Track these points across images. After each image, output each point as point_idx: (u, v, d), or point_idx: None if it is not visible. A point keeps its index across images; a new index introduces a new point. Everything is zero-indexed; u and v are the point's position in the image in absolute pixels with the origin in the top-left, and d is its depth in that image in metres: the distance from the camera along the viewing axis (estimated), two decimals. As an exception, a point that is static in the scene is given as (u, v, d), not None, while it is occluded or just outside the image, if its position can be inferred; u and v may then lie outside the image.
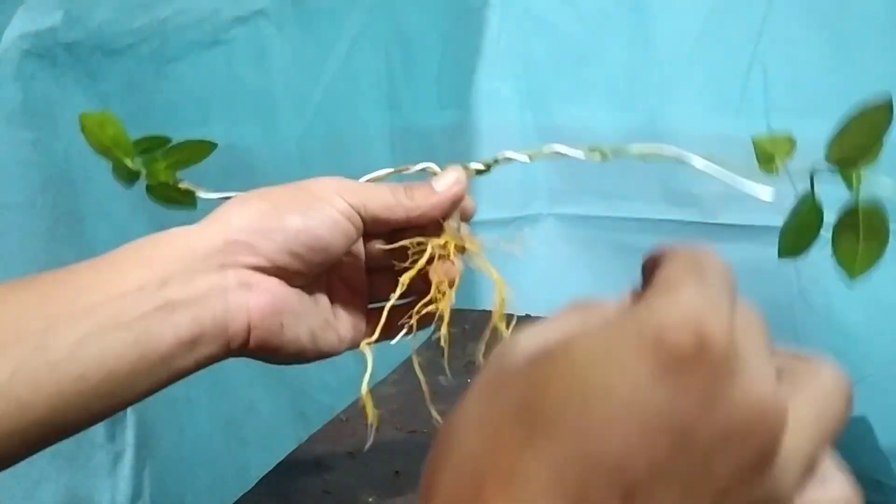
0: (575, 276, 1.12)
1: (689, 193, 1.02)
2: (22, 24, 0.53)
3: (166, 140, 0.42)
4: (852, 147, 0.38)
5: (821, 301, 0.99)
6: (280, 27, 0.76)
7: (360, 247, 0.42)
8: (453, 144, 1.07)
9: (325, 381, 0.89)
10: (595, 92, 1.05)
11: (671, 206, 1.04)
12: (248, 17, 0.72)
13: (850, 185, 0.37)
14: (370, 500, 0.61)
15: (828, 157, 0.39)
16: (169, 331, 0.32)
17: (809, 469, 0.21)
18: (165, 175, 0.41)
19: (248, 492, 0.63)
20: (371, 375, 0.42)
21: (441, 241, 0.39)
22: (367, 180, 0.42)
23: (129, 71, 0.60)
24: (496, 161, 0.43)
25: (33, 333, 0.29)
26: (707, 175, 1.04)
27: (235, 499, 0.66)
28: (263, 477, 0.65)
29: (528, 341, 0.21)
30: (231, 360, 0.77)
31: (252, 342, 0.35)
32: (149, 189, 0.41)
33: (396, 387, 0.83)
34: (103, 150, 0.41)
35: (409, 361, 0.89)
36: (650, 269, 0.22)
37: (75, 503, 0.60)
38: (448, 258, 0.39)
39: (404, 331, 0.41)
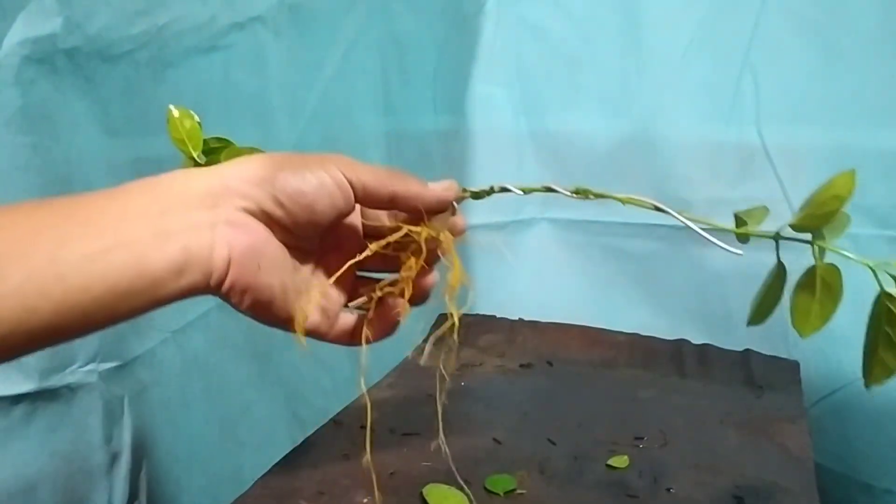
0: (568, 280, 1.12)
1: (680, 198, 1.03)
2: (22, 29, 0.53)
3: (230, 143, 0.47)
4: (816, 217, 0.40)
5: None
6: (276, 33, 0.77)
7: (355, 224, 0.45)
8: (448, 149, 1.08)
9: (319, 383, 0.90)
10: (588, 98, 1.06)
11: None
12: (244, 23, 0.72)
13: (813, 250, 0.40)
14: (365, 501, 0.62)
15: (793, 225, 0.41)
16: (161, 255, 0.35)
17: None
18: None
19: (244, 493, 0.64)
20: (366, 377, 0.43)
21: (418, 228, 0.42)
22: None
23: (127, 76, 0.61)
24: (492, 190, 0.46)
25: (46, 247, 0.33)
26: (698, 181, 1.05)
27: (231, 500, 0.66)
28: (259, 478, 0.66)
29: None
30: (226, 362, 0.78)
31: (229, 277, 0.38)
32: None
33: (392, 390, 0.84)
34: (178, 141, 0.46)
35: (403, 364, 0.90)
36: None
37: (72, 503, 0.60)
38: (420, 249, 0.42)
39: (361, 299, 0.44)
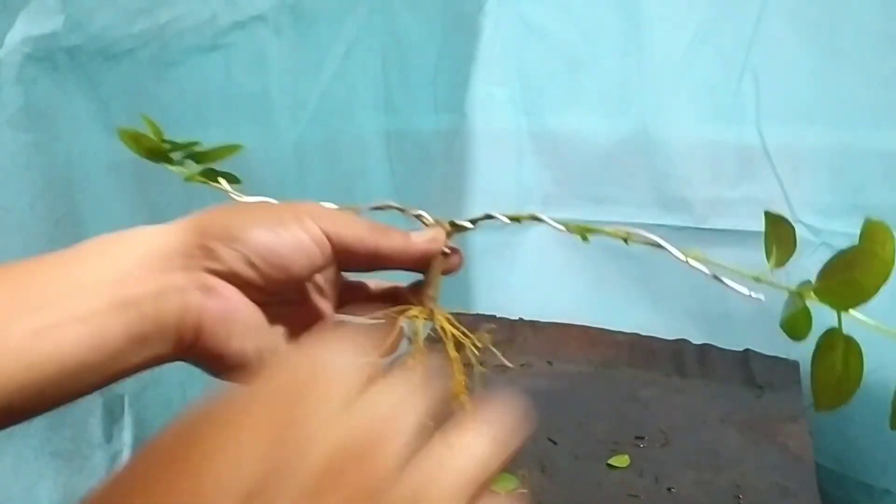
0: (567, 280, 1.12)
1: (681, 199, 1.03)
2: (24, 28, 0.53)
3: (194, 143, 0.44)
4: (850, 291, 0.34)
5: (812, 307, 1.00)
6: (278, 32, 0.77)
7: (331, 280, 0.41)
8: (448, 148, 1.07)
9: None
10: (588, 98, 1.06)
11: (663, 210, 1.05)
12: (246, 22, 0.72)
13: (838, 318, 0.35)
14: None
15: (817, 293, 0.36)
16: (122, 327, 0.32)
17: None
18: (197, 175, 0.44)
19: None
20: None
21: (415, 311, 0.38)
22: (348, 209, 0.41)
23: (129, 75, 0.61)
24: (482, 218, 0.43)
25: None
26: (698, 182, 1.05)
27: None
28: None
29: None
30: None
31: (199, 345, 0.35)
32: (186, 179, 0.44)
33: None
34: (146, 157, 0.43)
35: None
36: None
37: (73, 503, 0.60)
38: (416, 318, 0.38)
39: None
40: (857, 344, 0.35)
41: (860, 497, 0.98)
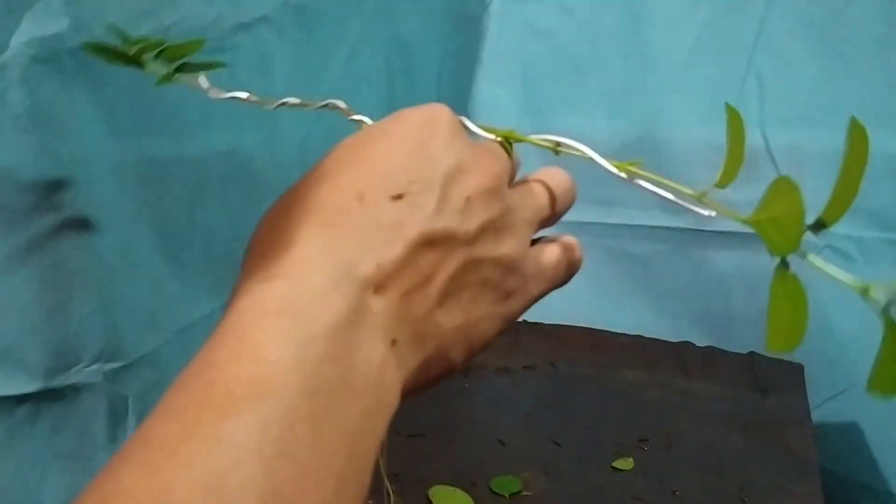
0: (571, 283, 1.12)
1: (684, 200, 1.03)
2: (29, 30, 0.53)
3: (162, 41, 0.43)
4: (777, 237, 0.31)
5: (814, 307, 1.00)
6: (281, 34, 0.77)
7: None
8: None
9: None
10: (592, 100, 1.06)
11: (666, 213, 1.05)
12: (250, 23, 0.72)
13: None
14: (370, 502, 0.62)
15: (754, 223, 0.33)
16: None
17: (534, 222, 0.34)
18: (166, 75, 0.42)
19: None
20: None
21: None
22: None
23: (134, 77, 0.61)
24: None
25: None
26: (701, 184, 1.05)
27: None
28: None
29: None
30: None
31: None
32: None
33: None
34: (116, 63, 0.42)
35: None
36: None
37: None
38: None
39: None
40: (800, 283, 0.33)
41: (864, 500, 0.98)
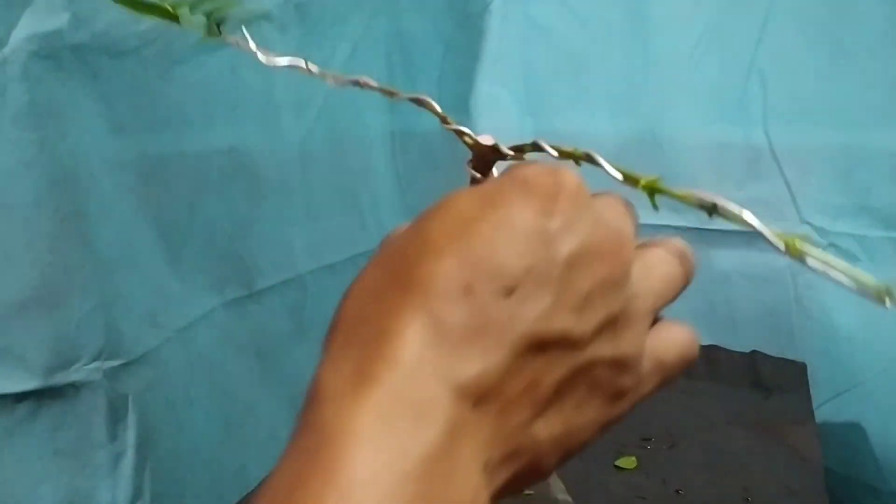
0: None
1: (686, 199, 1.02)
2: (29, 25, 0.53)
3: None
4: None
5: (816, 306, 1.00)
6: (283, 31, 0.76)
7: None
8: (453, 149, 1.07)
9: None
10: (594, 98, 1.06)
11: (668, 211, 1.03)
12: (252, 20, 0.72)
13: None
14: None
15: None
16: None
17: (655, 309, 0.28)
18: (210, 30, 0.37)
19: (249, 492, 0.63)
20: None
21: None
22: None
23: (134, 73, 0.61)
24: (530, 149, 0.34)
25: None
26: (704, 182, 1.05)
27: (235, 499, 0.66)
28: (263, 477, 0.65)
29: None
30: (231, 361, 0.77)
31: None
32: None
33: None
34: (151, 15, 0.37)
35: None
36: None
37: (76, 502, 0.60)
38: None
39: None
40: None
41: (866, 500, 0.97)
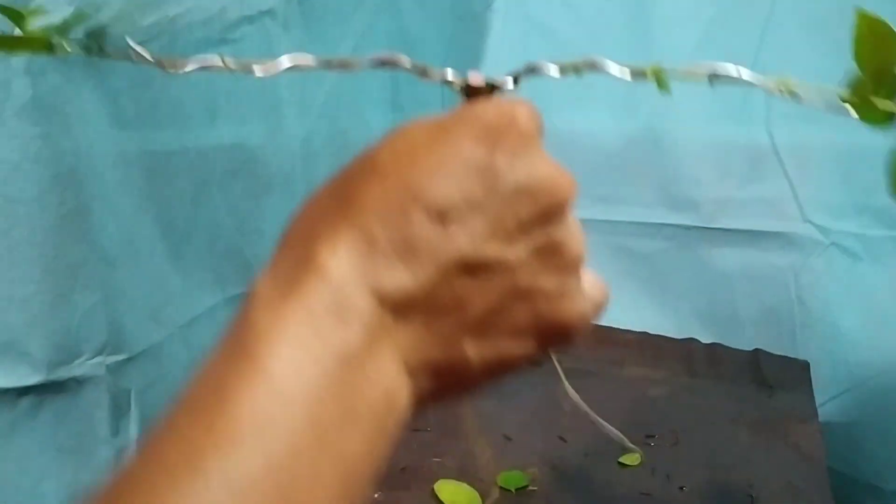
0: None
1: (688, 198, 1.02)
2: (32, 20, 0.53)
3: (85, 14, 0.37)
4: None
5: (818, 306, 1.00)
6: (286, 27, 0.76)
7: None
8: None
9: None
10: (596, 97, 1.05)
11: (670, 210, 1.04)
12: (255, 16, 0.72)
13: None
14: (376, 495, 0.61)
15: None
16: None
17: (585, 256, 0.29)
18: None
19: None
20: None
21: None
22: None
23: (137, 68, 0.61)
24: (526, 72, 0.35)
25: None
26: (706, 181, 1.05)
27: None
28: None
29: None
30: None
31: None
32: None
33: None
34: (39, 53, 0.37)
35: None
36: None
37: (79, 497, 0.60)
38: None
39: None
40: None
41: (868, 499, 0.97)
